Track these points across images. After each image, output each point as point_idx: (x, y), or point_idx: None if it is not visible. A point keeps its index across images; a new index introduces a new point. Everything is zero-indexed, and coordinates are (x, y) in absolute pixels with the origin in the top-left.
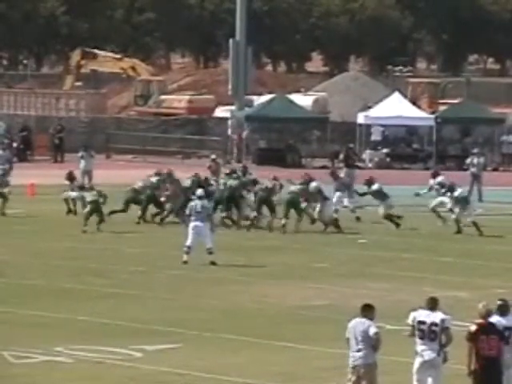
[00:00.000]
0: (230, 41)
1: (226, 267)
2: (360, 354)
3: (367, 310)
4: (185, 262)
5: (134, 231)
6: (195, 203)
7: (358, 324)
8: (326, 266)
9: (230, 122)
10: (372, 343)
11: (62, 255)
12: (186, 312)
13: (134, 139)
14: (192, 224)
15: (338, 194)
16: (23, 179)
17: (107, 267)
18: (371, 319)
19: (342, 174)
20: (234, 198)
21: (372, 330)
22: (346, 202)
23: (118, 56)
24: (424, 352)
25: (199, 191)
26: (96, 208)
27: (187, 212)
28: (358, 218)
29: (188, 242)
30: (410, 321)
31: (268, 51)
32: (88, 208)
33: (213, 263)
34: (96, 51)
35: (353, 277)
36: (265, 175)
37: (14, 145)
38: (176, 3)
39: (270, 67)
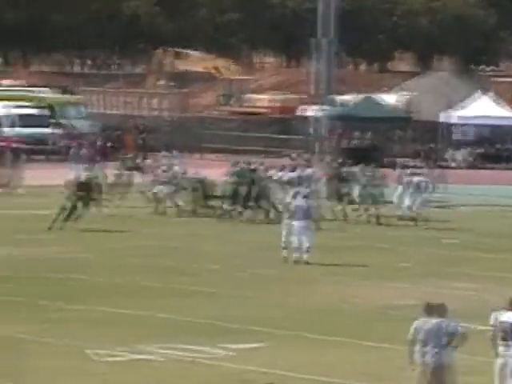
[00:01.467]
0: (313, 40)
1: (312, 266)
2: (430, 353)
3: (440, 309)
4: (285, 259)
5: (210, 229)
6: (294, 202)
7: (426, 323)
8: (410, 265)
9: (313, 121)
10: (455, 342)
11: (141, 253)
12: (272, 310)
13: (218, 138)
14: (290, 222)
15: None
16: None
17: (189, 266)
18: (444, 317)
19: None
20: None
21: (457, 328)
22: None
23: (202, 55)
24: (505, 353)
25: (300, 190)
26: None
27: (284, 210)
28: (413, 219)
29: (284, 239)
30: (491, 321)
31: (351, 50)
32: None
33: (306, 262)
34: (180, 50)
35: (437, 276)
36: None
37: (109, 144)
38: (259, 3)
39: (352, 66)
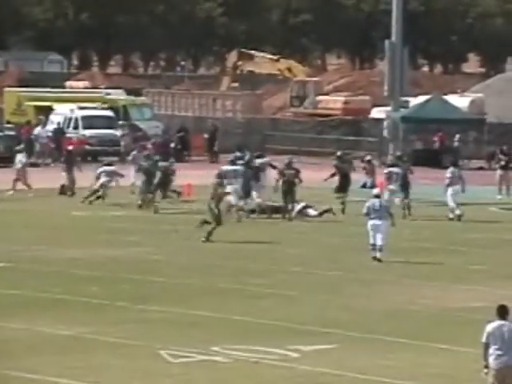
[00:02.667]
0: (386, 42)
1: (383, 268)
2: (505, 356)
3: (507, 312)
4: (374, 258)
5: (294, 231)
6: (373, 201)
7: (500, 326)
8: (482, 267)
9: (385, 123)
10: None
11: (221, 255)
12: (343, 312)
13: (290, 140)
14: (371, 222)
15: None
16: (180, 180)
17: (265, 267)
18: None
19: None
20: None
21: None
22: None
23: (275, 57)
24: None
25: (375, 190)
26: None
27: (365, 211)
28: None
29: (371, 241)
30: None
31: (424, 52)
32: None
33: (378, 260)
34: (253, 52)
35: (510, 279)
36: (421, 176)
37: (172, 145)
38: (332, 4)
39: (426, 68)
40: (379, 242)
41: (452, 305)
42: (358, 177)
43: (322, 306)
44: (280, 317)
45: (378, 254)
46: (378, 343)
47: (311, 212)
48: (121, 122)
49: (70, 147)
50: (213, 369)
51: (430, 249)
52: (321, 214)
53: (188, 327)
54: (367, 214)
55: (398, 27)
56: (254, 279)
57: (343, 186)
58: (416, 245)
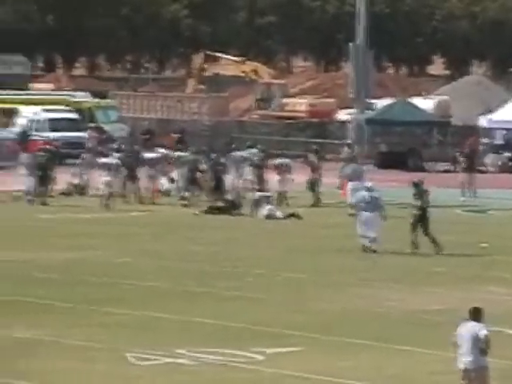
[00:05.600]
0: (350, 44)
1: (347, 270)
2: (471, 357)
3: (476, 313)
4: (365, 248)
5: (258, 232)
6: (363, 194)
7: (467, 327)
8: (444, 270)
9: (350, 126)
10: (481, 346)
11: (184, 257)
12: (306, 315)
13: (257, 142)
14: (363, 214)
15: None
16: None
17: (229, 270)
18: (480, 322)
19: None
20: None
21: (482, 332)
22: None
23: (240, 59)
24: None
25: (368, 183)
26: None
27: (353, 201)
28: None
29: (361, 232)
30: None
31: (390, 54)
32: None
33: (374, 251)
34: (218, 54)
35: (472, 281)
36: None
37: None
38: (298, 6)
39: (391, 70)
40: (372, 234)
41: (414, 307)
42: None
43: (286, 308)
44: (245, 319)
45: (373, 246)
46: (341, 345)
47: (278, 214)
48: (92, 125)
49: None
50: (178, 372)
51: (394, 251)
52: (287, 217)
53: (153, 330)
54: (355, 206)
55: (361, 29)
56: (219, 282)
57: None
58: (380, 247)
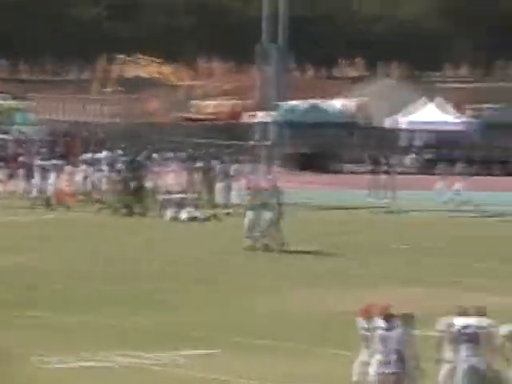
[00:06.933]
0: (258, 46)
1: (266, 273)
2: (392, 362)
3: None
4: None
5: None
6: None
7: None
8: (361, 271)
9: (260, 128)
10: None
11: (98, 260)
12: (228, 317)
13: (166, 144)
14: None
15: None
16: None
17: (151, 271)
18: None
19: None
20: None
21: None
22: None
23: (157, 61)
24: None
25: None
26: None
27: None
28: None
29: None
30: (441, 327)
31: (307, 56)
32: None
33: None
34: (133, 57)
35: (388, 282)
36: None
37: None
38: (217, 8)
39: (301, 72)
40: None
41: (336, 309)
42: None
43: (208, 311)
44: (166, 322)
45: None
46: (264, 348)
47: (198, 215)
48: (15, 127)
49: None
50: (99, 375)
51: (313, 251)
52: (207, 219)
53: (73, 333)
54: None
55: (271, 31)
56: (142, 284)
57: None
58: (295, 248)
